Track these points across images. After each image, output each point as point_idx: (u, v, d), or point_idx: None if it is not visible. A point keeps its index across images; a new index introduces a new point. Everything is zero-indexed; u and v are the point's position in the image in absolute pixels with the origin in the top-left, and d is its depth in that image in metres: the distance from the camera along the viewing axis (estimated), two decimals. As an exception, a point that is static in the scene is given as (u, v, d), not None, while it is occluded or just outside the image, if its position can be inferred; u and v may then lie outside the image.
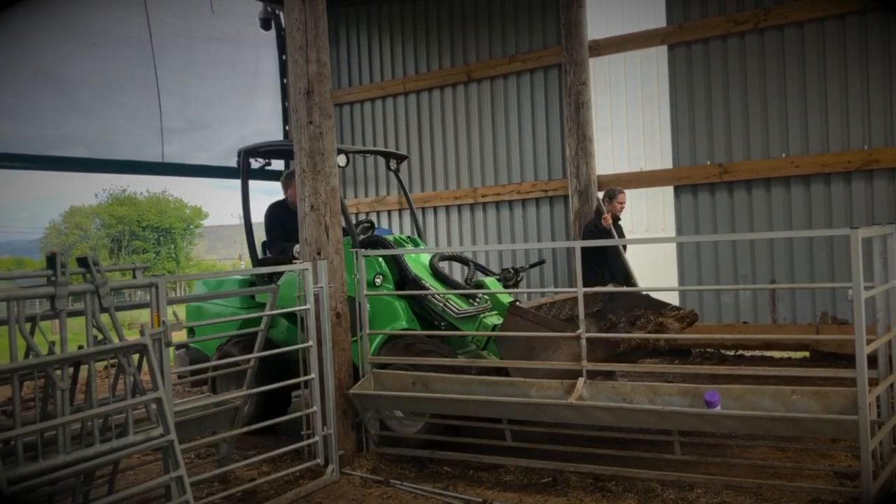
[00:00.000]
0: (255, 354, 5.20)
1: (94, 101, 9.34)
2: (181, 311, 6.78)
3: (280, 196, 7.12)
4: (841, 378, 5.14)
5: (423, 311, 6.10)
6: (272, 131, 11.89)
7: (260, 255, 7.10)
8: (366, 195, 11.87)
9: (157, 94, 9.88)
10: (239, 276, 7.35)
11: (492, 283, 6.54)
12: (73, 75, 9.13)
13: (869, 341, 4.17)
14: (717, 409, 4.61)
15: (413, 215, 7.64)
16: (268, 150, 7.10)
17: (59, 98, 8.99)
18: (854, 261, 4.05)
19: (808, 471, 4.76)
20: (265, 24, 11.57)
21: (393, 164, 7.56)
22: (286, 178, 6.99)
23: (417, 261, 6.46)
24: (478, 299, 6.29)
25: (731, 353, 8.88)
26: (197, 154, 10.80)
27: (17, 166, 8.88)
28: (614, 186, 8.73)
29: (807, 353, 8.33)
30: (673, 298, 9.19)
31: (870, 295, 4.29)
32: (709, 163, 8.96)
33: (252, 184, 7.36)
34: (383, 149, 8.35)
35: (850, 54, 8.15)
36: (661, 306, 6.22)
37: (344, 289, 5.64)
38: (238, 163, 7.04)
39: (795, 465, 4.83)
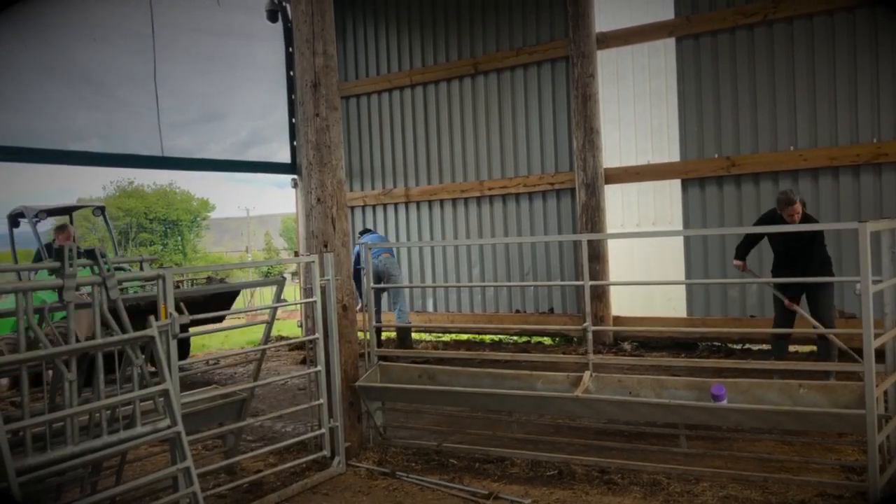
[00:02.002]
0: (264, 346, 5.23)
1: (97, 95, 9.34)
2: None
3: None
4: (847, 372, 5.13)
5: None
6: (279, 124, 11.89)
7: None
8: (372, 188, 11.87)
9: (155, 87, 9.87)
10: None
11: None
12: (78, 69, 9.12)
13: (877, 335, 4.16)
14: (724, 402, 4.61)
15: (114, 245, 10.62)
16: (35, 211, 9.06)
17: (63, 91, 8.99)
18: (862, 254, 4.03)
19: (814, 464, 4.75)
20: (272, 17, 11.55)
21: (97, 212, 9.73)
22: (56, 229, 8.96)
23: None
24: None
25: (738, 346, 8.86)
26: (208, 147, 10.83)
27: (21, 159, 8.89)
28: (790, 192, 6.47)
29: (814, 347, 8.29)
30: (679, 291, 9.25)
31: (878, 289, 4.27)
32: (717, 156, 8.93)
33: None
34: (81, 204, 11.03)
35: (860, 47, 8.09)
36: None
37: (350, 281, 5.65)
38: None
39: (802, 459, 4.82)
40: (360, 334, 5.89)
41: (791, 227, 6.03)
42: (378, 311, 9.53)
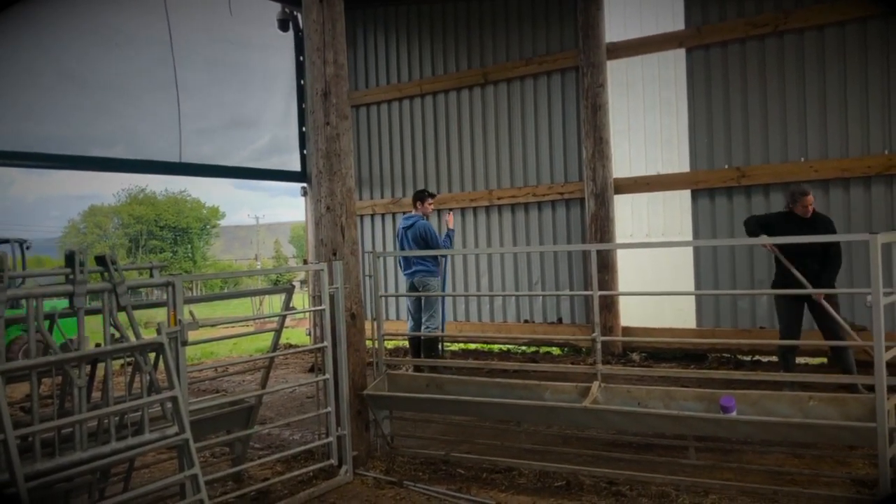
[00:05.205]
0: (272, 354, 5.24)
1: (115, 102, 9.42)
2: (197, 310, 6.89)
3: None
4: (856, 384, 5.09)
5: None
6: (293, 133, 11.96)
7: None
8: (382, 196, 11.90)
9: (177, 94, 9.94)
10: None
11: None
12: (95, 76, 9.21)
13: (888, 348, 4.14)
14: (733, 414, 4.58)
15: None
16: None
17: (81, 98, 9.08)
18: (873, 266, 4.01)
19: (824, 477, 4.71)
20: (283, 26, 11.65)
21: None
22: None
23: None
24: None
25: (748, 358, 8.82)
26: (227, 155, 10.91)
27: (39, 165, 8.98)
28: (802, 185, 6.82)
29: (824, 359, 8.25)
30: (689, 302, 9.22)
31: (889, 301, 4.24)
32: (726, 167, 8.91)
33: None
34: None
35: (872, 58, 8.07)
36: None
37: (359, 290, 5.66)
38: None
39: (812, 472, 4.79)
40: (368, 343, 5.90)
41: (806, 238, 5.95)
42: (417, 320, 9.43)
